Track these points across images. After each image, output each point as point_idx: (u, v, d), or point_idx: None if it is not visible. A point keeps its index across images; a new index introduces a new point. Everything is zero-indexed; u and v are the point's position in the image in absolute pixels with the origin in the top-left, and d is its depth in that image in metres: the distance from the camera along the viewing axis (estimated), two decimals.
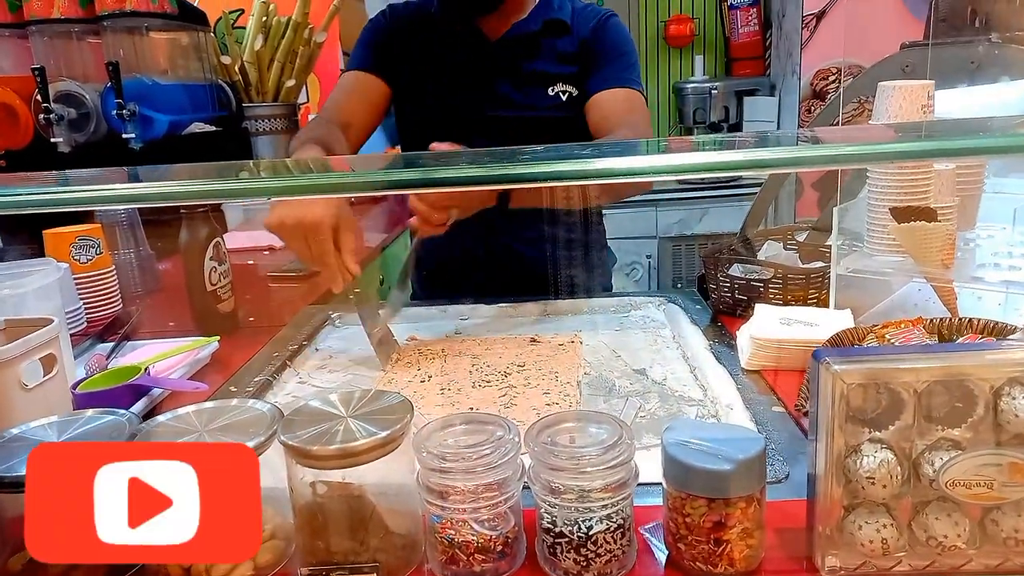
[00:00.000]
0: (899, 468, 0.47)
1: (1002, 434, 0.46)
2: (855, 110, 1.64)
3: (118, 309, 1.27)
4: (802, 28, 2.90)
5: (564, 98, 1.23)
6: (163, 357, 0.92)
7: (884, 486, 0.47)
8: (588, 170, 0.46)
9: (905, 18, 2.64)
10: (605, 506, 0.50)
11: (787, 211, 2.44)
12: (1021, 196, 1.07)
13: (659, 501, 0.59)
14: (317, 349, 1.07)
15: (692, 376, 0.89)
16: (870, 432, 0.47)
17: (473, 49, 1.23)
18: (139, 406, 0.82)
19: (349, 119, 1.24)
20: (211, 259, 1.09)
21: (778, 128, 3.11)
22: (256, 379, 0.93)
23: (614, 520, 0.50)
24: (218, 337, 1.01)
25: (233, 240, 1.86)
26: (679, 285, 2.88)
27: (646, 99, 1.23)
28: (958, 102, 0.99)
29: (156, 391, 0.85)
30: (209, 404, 0.58)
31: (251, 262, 1.72)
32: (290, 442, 0.50)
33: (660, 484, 0.59)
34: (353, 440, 0.50)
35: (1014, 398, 0.46)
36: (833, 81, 3.05)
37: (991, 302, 0.93)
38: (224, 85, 2.08)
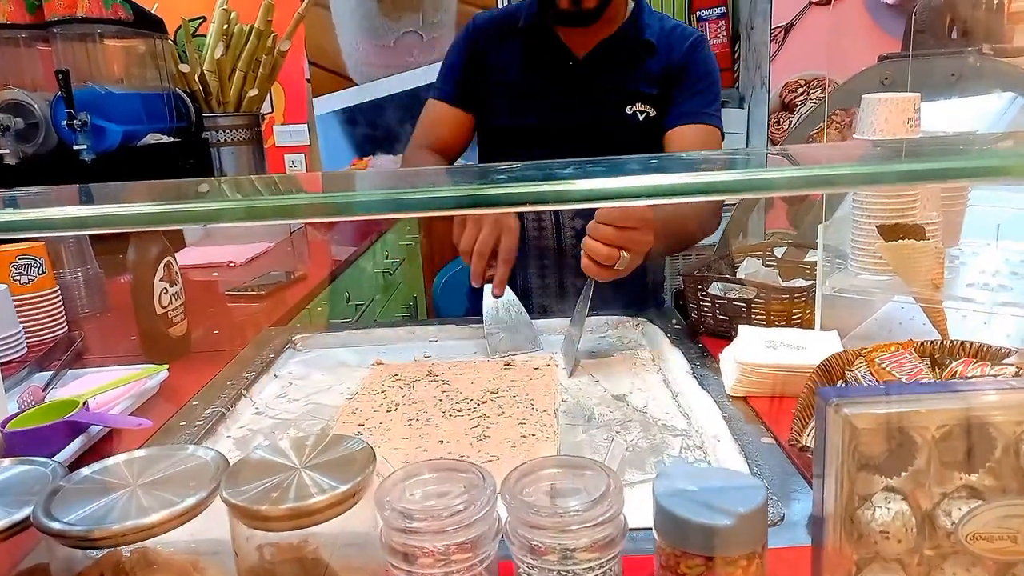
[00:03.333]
0: (914, 520, 0.43)
1: None
2: (829, 124, 1.62)
3: (62, 333, 1.19)
4: (771, 41, 2.90)
5: (641, 118, 1.21)
6: (105, 389, 0.85)
7: (899, 541, 0.42)
8: (552, 191, 0.41)
9: (872, 31, 2.65)
10: (592, 567, 0.44)
11: (757, 224, 2.43)
12: (1003, 210, 1.05)
13: (646, 548, 0.54)
14: (276, 375, 1.01)
15: (675, 403, 0.84)
16: (883, 480, 0.42)
17: (558, 63, 1.22)
18: (75, 445, 0.75)
19: (443, 148, 1.30)
20: (161, 280, 1.02)
21: (747, 140, 3.11)
22: (208, 411, 0.86)
23: None
24: (167, 365, 0.93)
25: (190, 256, 1.79)
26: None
27: (722, 132, 1.21)
28: (943, 115, 0.97)
29: (95, 428, 0.78)
30: (142, 452, 0.52)
31: (215, 275, 1.64)
32: (234, 501, 0.44)
33: (647, 530, 0.54)
34: (307, 497, 0.44)
35: None
36: (801, 93, 3.06)
37: (975, 321, 0.90)
38: (183, 94, 2.00)
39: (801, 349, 0.82)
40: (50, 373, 0.95)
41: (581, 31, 1.20)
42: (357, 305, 1.77)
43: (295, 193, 0.58)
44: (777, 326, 0.93)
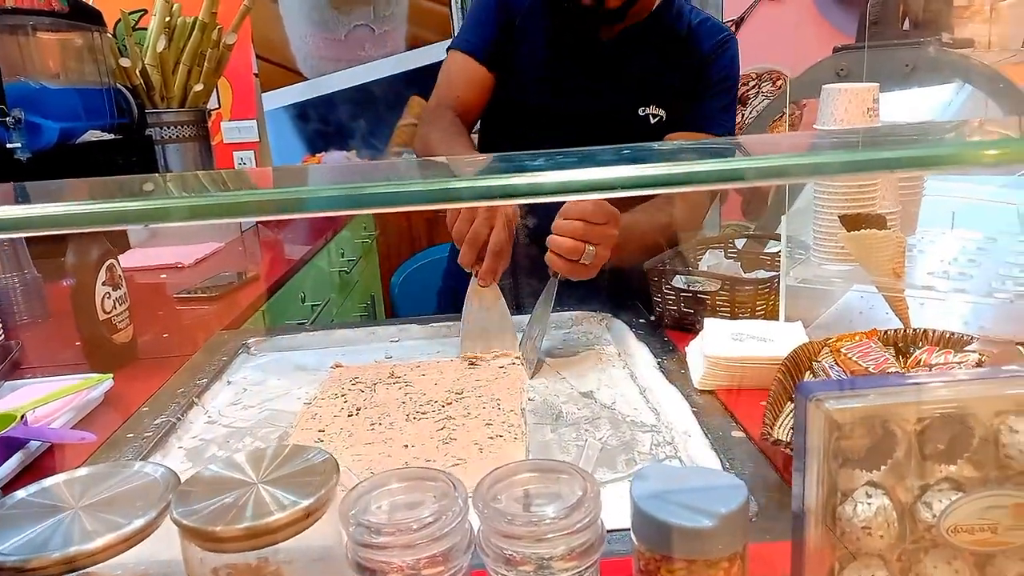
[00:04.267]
0: (895, 515, 0.42)
1: (1006, 471, 0.42)
2: (779, 118, 1.64)
3: None
4: None
5: (653, 121, 1.17)
6: (45, 401, 0.80)
7: (881, 536, 0.41)
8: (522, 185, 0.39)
9: (823, 26, 2.70)
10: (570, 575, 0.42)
11: (713, 217, 2.45)
12: (957, 200, 1.06)
13: (620, 550, 0.53)
14: (230, 382, 0.96)
15: (643, 398, 0.83)
16: (864, 474, 0.41)
17: (581, 45, 1.17)
18: (12, 462, 0.70)
19: (464, 111, 1.22)
20: (104, 284, 0.97)
21: None
22: (156, 421, 0.81)
23: None
24: (111, 374, 0.89)
25: (136, 258, 1.72)
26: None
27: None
28: (900, 105, 0.98)
29: (34, 444, 0.73)
30: (84, 471, 0.48)
31: (163, 277, 1.58)
32: (186, 521, 0.41)
33: (622, 531, 0.53)
34: (266, 515, 0.41)
35: (1017, 432, 0.41)
36: (753, 87, 3.10)
37: (933, 310, 0.91)
38: (124, 90, 1.92)
39: (767, 341, 0.81)
40: None
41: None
42: (313, 305, 1.72)
43: (247, 189, 0.54)
44: (742, 318, 0.93)
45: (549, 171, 0.40)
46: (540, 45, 1.19)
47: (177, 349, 1.08)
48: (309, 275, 1.79)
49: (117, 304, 0.99)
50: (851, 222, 0.82)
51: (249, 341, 1.07)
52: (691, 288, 0.98)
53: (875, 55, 1.12)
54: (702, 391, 0.81)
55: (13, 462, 0.70)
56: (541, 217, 1.25)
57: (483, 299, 0.97)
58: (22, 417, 0.74)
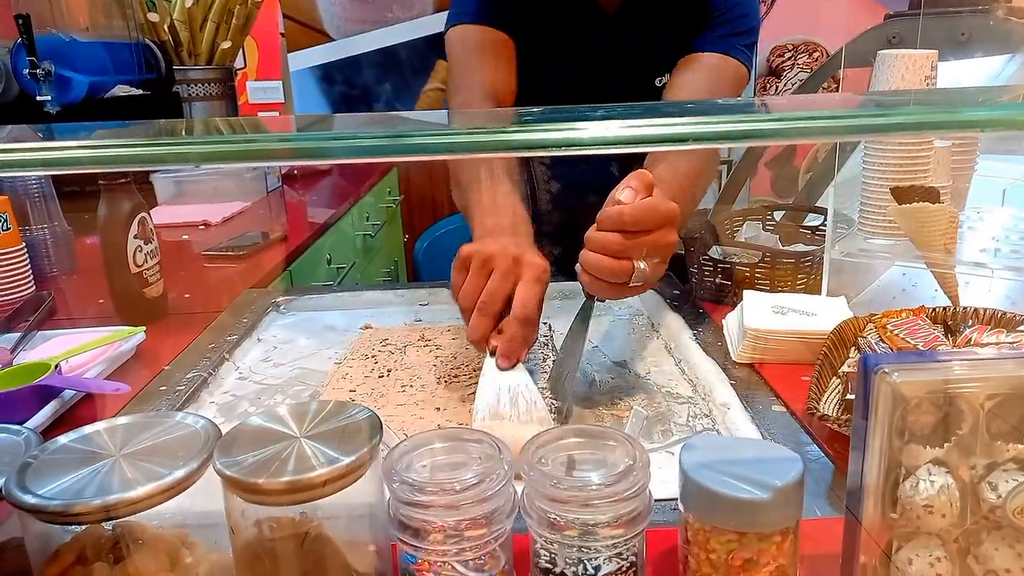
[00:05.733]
0: (958, 494, 0.40)
1: None
2: (826, 87, 1.59)
3: (29, 292, 1.13)
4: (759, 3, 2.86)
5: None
6: (78, 351, 0.80)
7: (943, 515, 0.40)
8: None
9: None
10: (615, 544, 0.41)
11: (743, 193, 2.40)
12: (1007, 179, 1.03)
13: (659, 520, 0.52)
14: (260, 339, 0.96)
15: (679, 369, 0.82)
16: (928, 451, 0.40)
17: (585, 21, 1.08)
18: (46, 411, 0.70)
19: (502, 92, 1.01)
20: (136, 237, 0.97)
21: None
22: (189, 375, 0.81)
23: (625, 558, 0.42)
24: (144, 327, 0.88)
25: (162, 215, 1.71)
26: None
27: (750, 71, 1.01)
28: (955, 75, 0.94)
29: (68, 393, 0.73)
30: (125, 419, 0.47)
31: (186, 237, 1.57)
32: (229, 472, 0.40)
33: (662, 501, 0.52)
34: (309, 469, 0.40)
35: None
36: (789, 58, 3.03)
37: (977, 288, 0.89)
38: (152, 45, 1.91)
39: (810, 315, 0.79)
40: (18, 335, 0.89)
41: None
42: (338, 268, 1.72)
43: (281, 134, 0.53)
44: (781, 291, 0.91)
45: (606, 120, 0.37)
46: (543, 27, 1.10)
47: (206, 305, 1.08)
48: (334, 238, 1.78)
49: (148, 258, 0.99)
50: (902, 195, 0.80)
51: (278, 299, 1.07)
52: (729, 260, 0.96)
53: (930, 23, 1.07)
54: (740, 364, 0.79)
55: (48, 411, 0.70)
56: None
57: (504, 383, 0.68)
58: (56, 366, 0.74)
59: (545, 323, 0.83)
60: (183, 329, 0.97)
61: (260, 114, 3.05)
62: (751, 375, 0.77)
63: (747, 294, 0.86)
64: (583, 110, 0.40)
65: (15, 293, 1.10)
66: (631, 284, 0.66)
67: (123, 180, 0.96)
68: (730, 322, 0.85)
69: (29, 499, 0.39)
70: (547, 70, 1.15)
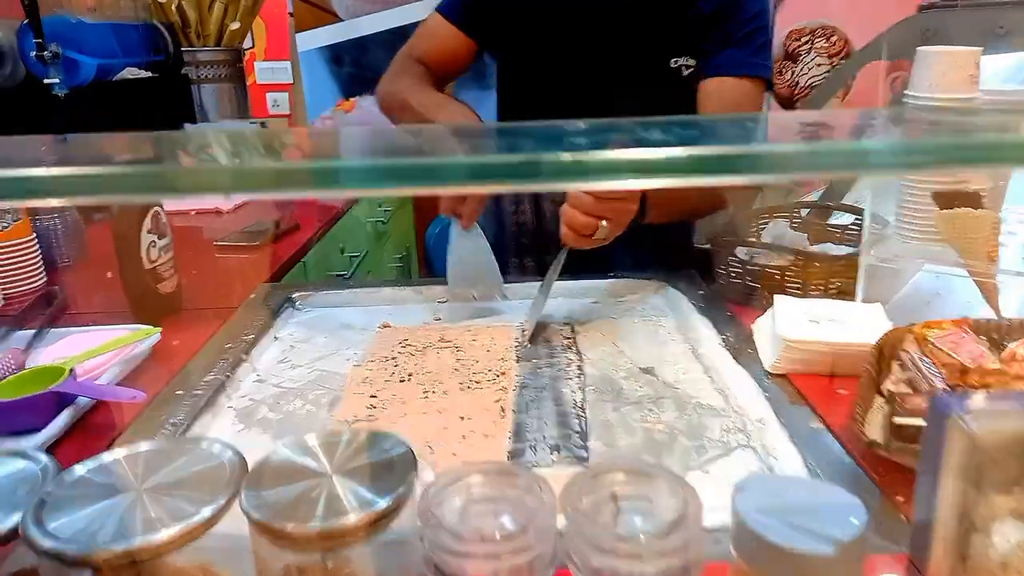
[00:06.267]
0: None
1: None
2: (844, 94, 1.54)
3: (41, 284, 1.11)
4: None
5: (686, 73, 1.06)
6: (94, 354, 0.78)
7: (1019, 573, 0.37)
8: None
9: None
10: None
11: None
12: None
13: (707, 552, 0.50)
14: (276, 338, 0.94)
15: (708, 378, 0.79)
16: (1005, 503, 0.37)
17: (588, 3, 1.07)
18: (61, 420, 0.68)
19: (436, 66, 1.17)
20: (149, 232, 0.94)
21: None
22: (206, 379, 0.79)
23: None
24: (159, 328, 0.86)
25: (172, 202, 1.69)
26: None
27: (770, 84, 1.05)
28: (998, 71, 0.90)
29: (83, 400, 0.71)
30: (146, 446, 0.45)
31: (201, 223, 1.55)
32: (256, 515, 0.38)
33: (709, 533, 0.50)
34: (341, 514, 0.38)
35: None
36: (806, 42, 2.96)
37: (1013, 296, 0.86)
38: (159, 26, 1.87)
39: (846, 324, 0.76)
40: (31, 332, 0.87)
41: None
42: (352, 257, 1.69)
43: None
44: (813, 296, 0.88)
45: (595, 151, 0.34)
46: (541, 8, 1.08)
47: (220, 300, 1.06)
48: (347, 226, 1.75)
49: (162, 253, 0.97)
50: (945, 200, 0.76)
51: (294, 295, 1.04)
52: (758, 262, 0.93)
53: (966, 15, 1.03)
54: (773, 374, 0.77)
55: (62, 419, 0.68)
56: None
57: (466, 241, 0.97)
58: (71, 371, 0.72)
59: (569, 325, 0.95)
60: (198, 325, 0.95)
61: (268, 95, 3.01)
62: (785, 386, 0.75)
63: (778, 300, 0.83)
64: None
65: (26, 285, 1.09)
66: (594, 237, 0.85)
67: None
68: (761, 328, 0.83)
69: (47, 544, 0.37)
70: (543, 53, 1.11)
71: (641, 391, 0.78)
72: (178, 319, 0.98)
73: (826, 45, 2.94)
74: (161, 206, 0.97)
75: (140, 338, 0.82)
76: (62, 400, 0.70)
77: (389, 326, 0.96)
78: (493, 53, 1.19)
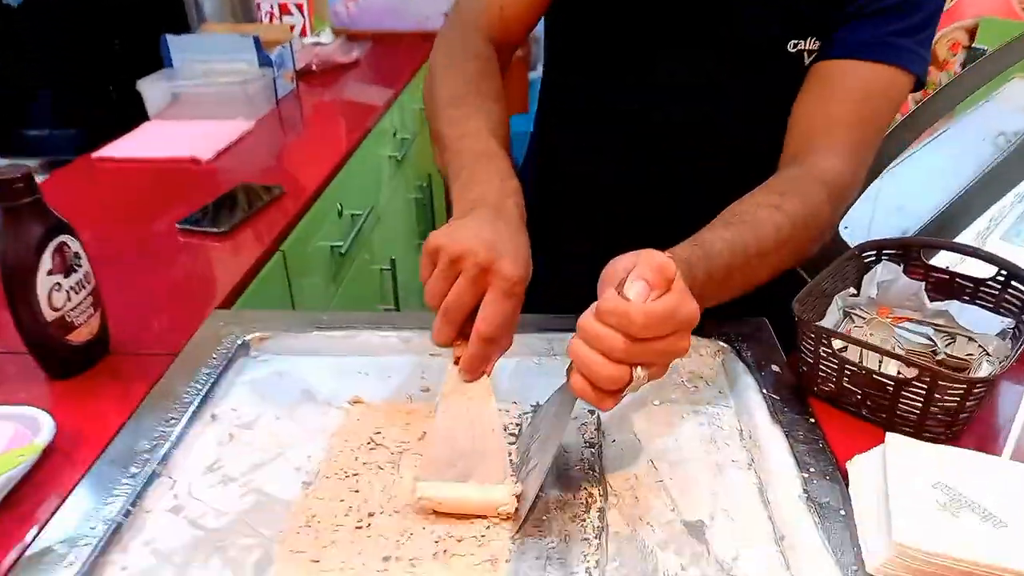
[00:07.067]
0: None
1: None
2: None
3: None
4: None
5: (808, 61, 0.77)
6: None
7: None
8: None
9: None
10: None
11: None
12: None
13: None
14: (214, 416, 0.73)
15: (782, 560, 0.57)
16: None
17: None
18: None
19: (507, 25, 0.84)
20: (51, 273, 0.72)
21: None
22: (94, 523, 0.59)
23: None
24: (42, 444, 0.64)
25: (149, 140, 1.46)
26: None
27: (920, 76, 0.73)
28: None
29: None
30: None
31: (173, 175, 1.32)
32: None
33: None
34: None
35: None
36: None
37: None
38: None
39: (995, 518, 0.52)
40: None
41: None
42: (353, 215, 1.45)
43: None
44: (938, 434, 0.62)
45: None
46: None
47: (163, 334, 0.85)
48: (356, 165, 1.49)
49: (71, 294, 0.75)
50: None
51: (248, 337, 0.82)
52: (865, 367, 0.66)
53: None
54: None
55: None
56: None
57: (463, 399, 0.62)
58: None
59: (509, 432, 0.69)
60: (123, 387, 0.75)
61: None
62: None
63: (891, 443, 0.58)
64: None
65: None
66: (625, 392, 0.55)
67: (28, 199, 0.70)
68: (862, 479, 0.59)
69: None
70: (620, 29, 0.82)
71: (684, 572, 0.56)
72: (95, 379, 0.77)
73: None
74: (71, 233, 0.74)
75: (12, 466, 0.61)
76: None
77: (360, 402, 0.74)
78: (554, 27, 0.89)
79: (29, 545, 0.57)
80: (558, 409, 0.61)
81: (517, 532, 0.58)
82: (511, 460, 0.63)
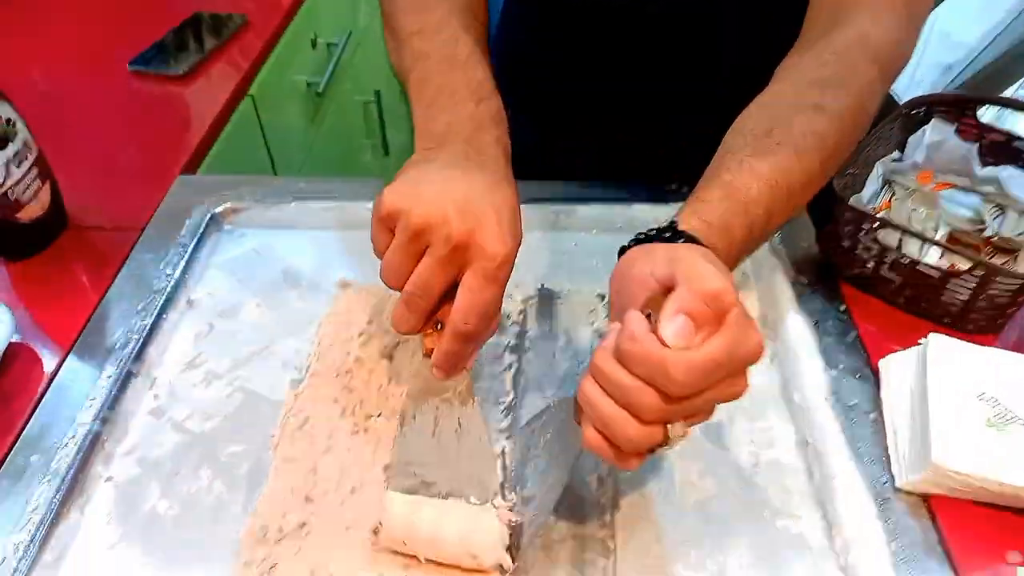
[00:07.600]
0: None
1: None
2: None
3: None
4: None
5: None
6: None
7: None
8: None
9: None
10: None
11: None
12: None
13: None
14: (190, 301, 0.67)
15: (802, 461, 0.54)
16: None
17: None
18: None
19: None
20: None
21: None
22: (75, 423, 0.55)
23: None
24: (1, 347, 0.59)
25: None
26: None
27: None
28: None
29: None
30: None
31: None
32: None
33: None
34: None
35: None
36: None
37: None
38: None
39: None
40: None
41: None
42: (329, 44, 1.29)
43: None
44: (981, 327, 0.57)
45: None
46: None
47: (125, 204, 0.76)
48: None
49: (11, 168, 0.65)
50: None
51: (219, 209, 0.74)
52: (907, 255, 0.60)
53: None
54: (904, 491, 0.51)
55: None
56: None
57: (436, 402, 0.52)
58: None
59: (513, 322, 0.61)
60: (84, 267, 0.68)
61: None
62: (918, 510, 0.49)
63: (933, 342, 0.53)
64: None
65: None
66: (656, 451, 0.39)
67: None
68: (893, 379, 0.54)
69: None
70: None
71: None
72: (55, 261, 0.70)
73: None
74: (5, 97, 0.64)
75: None
76: None
77: (349, 284, 0.68)
78: None
79: (2, 462, 0.53)
80: (561, 447, 0.46)
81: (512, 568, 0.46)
82: (501, 484, 0.50)
